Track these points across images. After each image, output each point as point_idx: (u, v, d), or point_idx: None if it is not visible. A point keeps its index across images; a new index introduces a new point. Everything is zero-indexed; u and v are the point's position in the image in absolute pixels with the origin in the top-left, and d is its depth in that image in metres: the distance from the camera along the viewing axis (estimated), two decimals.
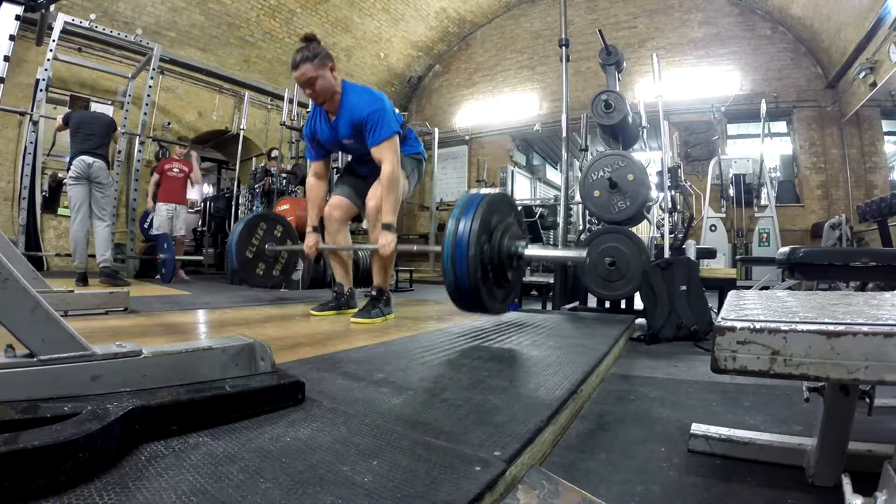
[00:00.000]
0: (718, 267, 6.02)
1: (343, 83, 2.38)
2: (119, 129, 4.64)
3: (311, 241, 2.58)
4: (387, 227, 2.29)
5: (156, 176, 6.01)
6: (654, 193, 3.83)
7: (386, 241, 2.26)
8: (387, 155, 2.28)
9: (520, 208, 2.09)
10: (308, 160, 2.69)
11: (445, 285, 1.79)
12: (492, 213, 1.81)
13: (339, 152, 3.62)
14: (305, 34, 2.31)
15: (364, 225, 2.54)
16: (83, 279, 4.01)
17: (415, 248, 2.41)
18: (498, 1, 10.58)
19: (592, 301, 3.46)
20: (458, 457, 0.76)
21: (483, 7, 10.62)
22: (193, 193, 7.98)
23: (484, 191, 1.90)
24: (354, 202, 2.63)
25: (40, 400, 0.74)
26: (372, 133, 2.29)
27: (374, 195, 2.40)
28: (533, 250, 1.97)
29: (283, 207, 5.43)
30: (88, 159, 4.04)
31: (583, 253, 1.88)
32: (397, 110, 2.53)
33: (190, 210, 6.98)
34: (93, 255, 4.27)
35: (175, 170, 6.03)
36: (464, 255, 1.70)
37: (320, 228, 2.64)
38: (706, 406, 1.42)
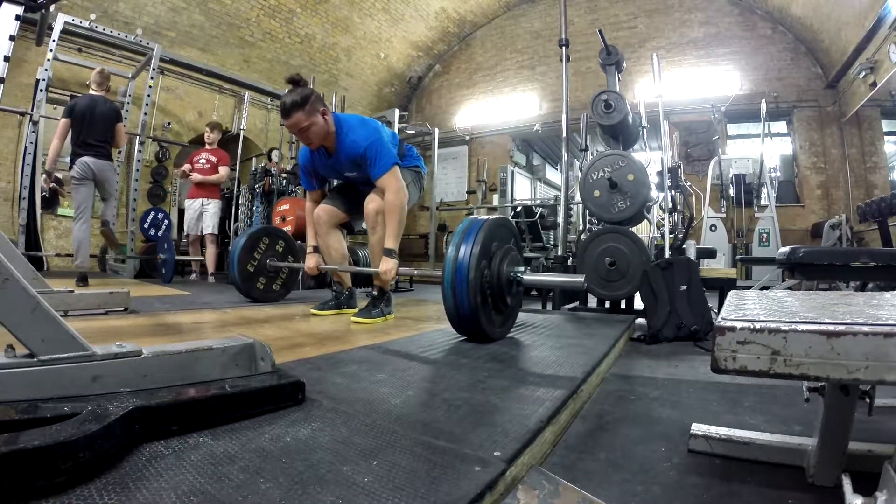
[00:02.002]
0: (718, 267, 6.01)
1: (335, 119, 2.35)
2: (123, 123, 4.36)
3: (311, 263, 2.61)
4: (388, 252, 2.30)
5: (187, 166, 5.60)
6: (654, 193, 3.83)
7: (387, 267, 2.28)
8: (391, 184, 2.30)
9: (519, 221, 2.11)
10: (305, 188, 2.67)
11: (445, 310, 1.82)
12: (492, 238, 1.82)
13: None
14: (291, 76, 2.25)
15: (364, 225, 2.55)
16: (83, 279, 4.01)
17: (415, 272, 2.48)
18: (498, 1, 10.57)
19: (592, 301, 3.46)
20: (458, 457, 0.76)
21: (483, 7, 10.61)
22: None
23: (484, 216, 1.91)
24: (343, 211, 2.63)
25: (40, 400, 0.74)
26: (373, 166, 2.30)
27: (372, 198, 2.40)
28: (532, 276, 1.98)
29: (282, 207, 5.42)
30: (89, 160, 4.01)
31: (580, 278, 1.89)
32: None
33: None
34: (94, 255, 4.26)
35: (203, 160, 5.53)
36: (464, 281, 1.71)
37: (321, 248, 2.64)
38: (706, 406, 1.41)
